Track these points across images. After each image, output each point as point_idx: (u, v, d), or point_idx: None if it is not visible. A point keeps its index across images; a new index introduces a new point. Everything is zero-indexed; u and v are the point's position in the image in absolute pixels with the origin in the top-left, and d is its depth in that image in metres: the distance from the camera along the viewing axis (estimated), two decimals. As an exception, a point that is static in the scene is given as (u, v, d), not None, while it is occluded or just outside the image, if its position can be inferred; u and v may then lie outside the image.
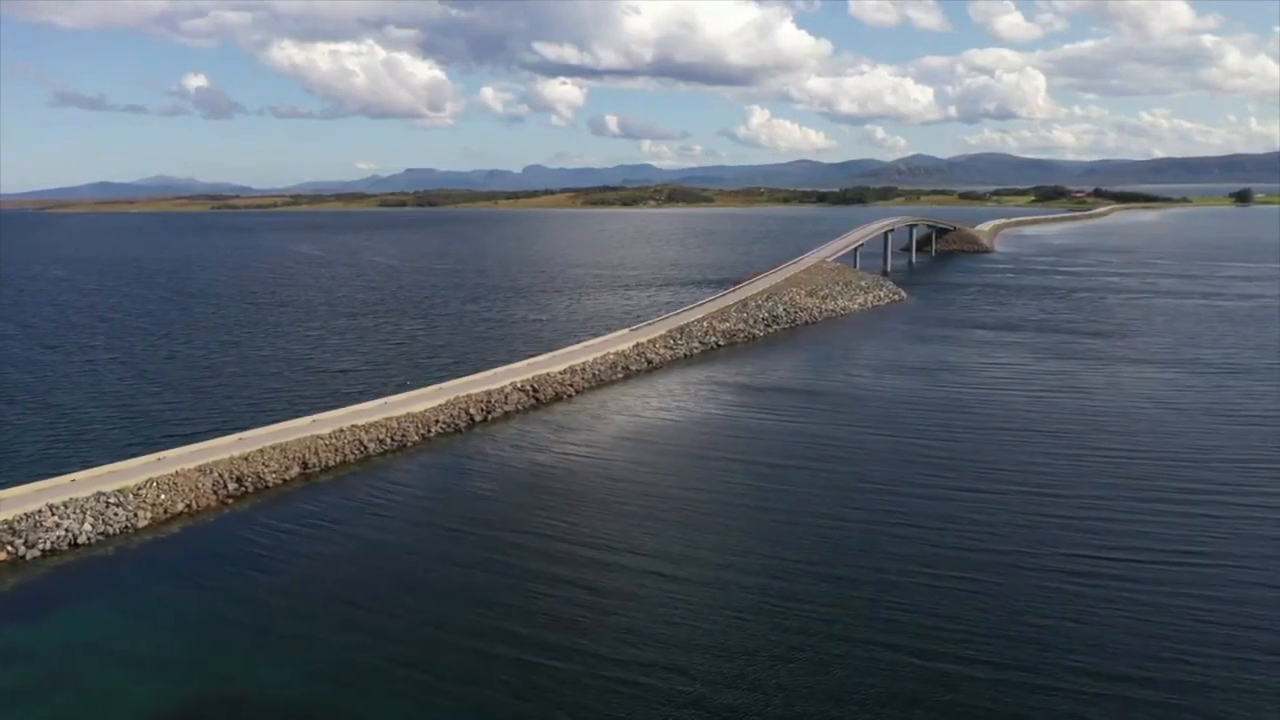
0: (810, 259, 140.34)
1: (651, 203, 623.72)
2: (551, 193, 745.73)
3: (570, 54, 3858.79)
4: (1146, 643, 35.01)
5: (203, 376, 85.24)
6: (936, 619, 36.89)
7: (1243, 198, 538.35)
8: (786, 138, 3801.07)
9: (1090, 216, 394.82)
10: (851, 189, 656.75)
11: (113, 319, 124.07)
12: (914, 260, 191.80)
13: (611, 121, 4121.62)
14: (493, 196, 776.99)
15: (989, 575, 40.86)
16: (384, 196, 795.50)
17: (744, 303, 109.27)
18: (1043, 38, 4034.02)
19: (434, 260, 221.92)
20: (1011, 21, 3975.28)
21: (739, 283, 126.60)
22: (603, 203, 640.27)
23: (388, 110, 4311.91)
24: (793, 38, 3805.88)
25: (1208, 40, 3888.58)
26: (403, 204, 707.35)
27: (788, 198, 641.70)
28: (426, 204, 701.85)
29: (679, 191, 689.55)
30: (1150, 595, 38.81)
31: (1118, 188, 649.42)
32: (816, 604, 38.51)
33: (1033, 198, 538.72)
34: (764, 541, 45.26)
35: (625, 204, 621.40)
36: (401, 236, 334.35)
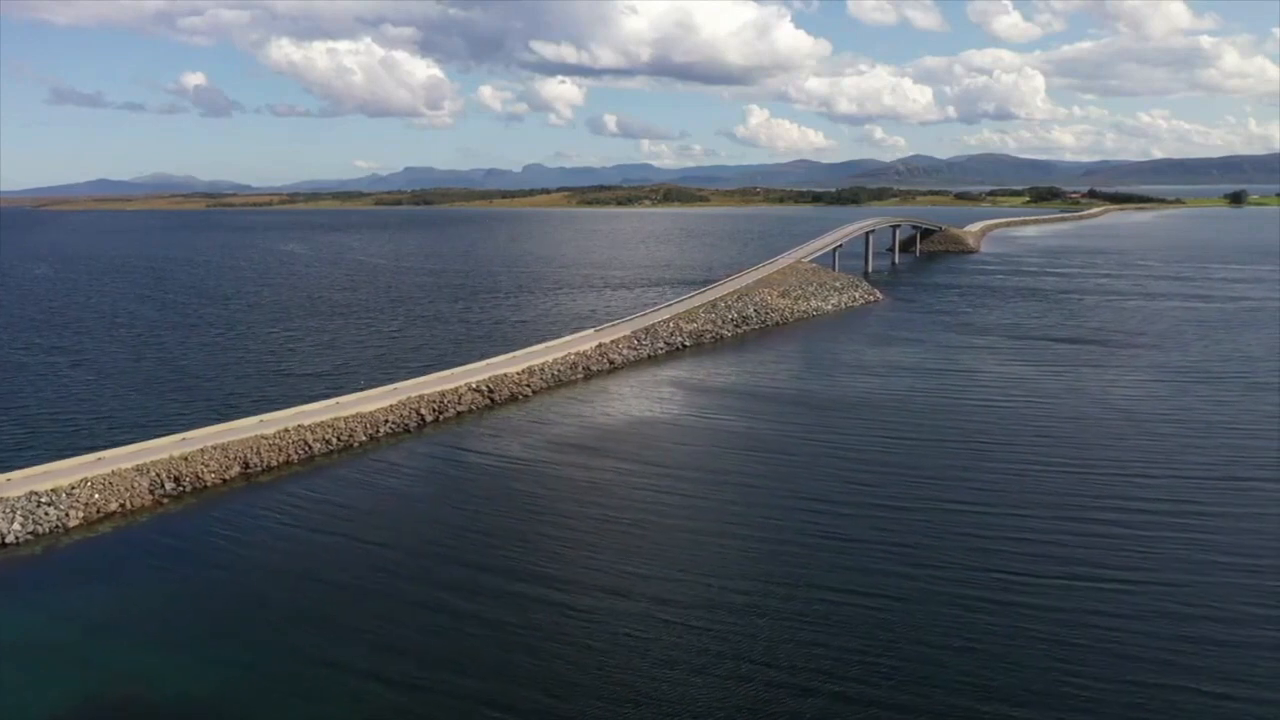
0: (786, 259, 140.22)
1: (647, 202, 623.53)
2: (547, 192, 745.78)
3: (568, 53, 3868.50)
4: (1059, 672, 33.23)
5: (165, 377, 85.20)
6: (842, 652, 34.85)
7: (1237, 199, 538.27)
8: (785, 137, 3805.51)
9: (1082, 217, 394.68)
10: (847, 189, 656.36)
11: (84, 318, 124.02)
12: (897, 261, 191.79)
13: (610, 121, 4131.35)
14: (488, 195, 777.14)
15: (898, 602, 38.81)
16: (379, 195, 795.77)
17: (713, 304, 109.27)
18: (1041, 38, 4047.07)
19: (422, 260, 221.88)
20: (1009, 22, 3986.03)
21: (712, 283, 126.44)
22: (598, 202, 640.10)
23: (386, 109, 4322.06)
24: (791, 37, 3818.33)
25: (1205, 41, 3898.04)
26: (398, 203, 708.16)
27: (783, 198, 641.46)
28: (422, 203, 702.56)
29: (675, 191, 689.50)
30: (1064, 621, 36.80)
31: (1117, 188, 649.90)
32: (719, 628, 36.98)
33: (1028, 198, 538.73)
34: (684, 563, 43.22)
35: (620, 204, 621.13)
36: (393, 236, 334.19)
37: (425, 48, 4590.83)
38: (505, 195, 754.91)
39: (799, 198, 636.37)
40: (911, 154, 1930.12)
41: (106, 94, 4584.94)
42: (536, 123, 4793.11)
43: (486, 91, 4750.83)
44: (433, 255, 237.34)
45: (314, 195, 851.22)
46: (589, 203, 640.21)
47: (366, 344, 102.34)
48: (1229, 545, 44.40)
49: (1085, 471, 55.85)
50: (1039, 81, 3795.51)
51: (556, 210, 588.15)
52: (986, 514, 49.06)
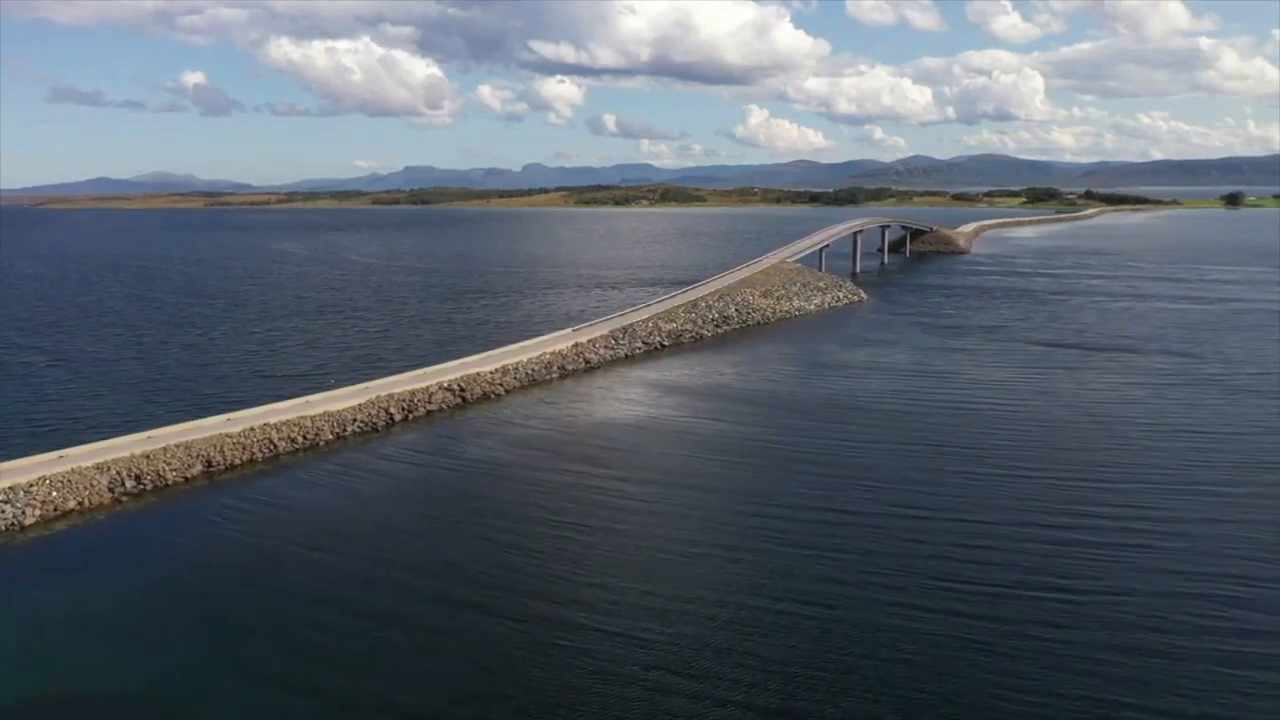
0: (770, 259, 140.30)
1: (644, 202, 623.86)
2: (546, 192, 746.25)
3: (567, 53, 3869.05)
4: (993, 685, 32.62)
5: (142, 376, 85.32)
6: (779, 665, 34.12)
7: (1233, 200, 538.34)
8: (785, 137, 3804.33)
9: (1076, 218, 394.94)
10: (844, 190, 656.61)
11: (69, 317, 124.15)
12: (886, 261, 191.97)
13: (609, 121, 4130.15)
14: (486, 195, 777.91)
15: (835, 610, 38.12)
16: (377, 195, 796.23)
17: (693, 304, 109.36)
18: (1040, 39, 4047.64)
19: (414, 260, 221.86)
20: (1008, 22, 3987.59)
21: (696, 283, 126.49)
22: (595, 202, 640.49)
23: (386, 108, 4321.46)
24: (790, 37, 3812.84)
25: (1204, 42, 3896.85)
26: (396, 202, 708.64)
27: (780, 198, 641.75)
28: (420, 202, 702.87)
29: (672, 191, 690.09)
30: (1006, 632, 36.10)
31: (1116, 190, 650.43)
32: (659, 639, 36.25)
33: (1025, 199, 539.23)
34: (635, 571, 42.44)
35: (618, 204, 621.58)
36: (388, 236, 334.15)
37: (424, 47, 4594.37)
38: (503, 195, 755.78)
39: (796, 198, 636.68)
40: (911, 154, 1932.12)
41: (106, 93, 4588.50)
42: (536, 122, 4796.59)
43: (486, 91, 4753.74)
44: (426, 255, 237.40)
45: (312, 195, 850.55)
46: (587, 202, 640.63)
47: (349, 344, 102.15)
48: (1182, 554, 43.45)
49: (1046, 477, 55.26)
50: (1038, 82, 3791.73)
51: (554, 210, 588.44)
52: (940, 520, 48.24)
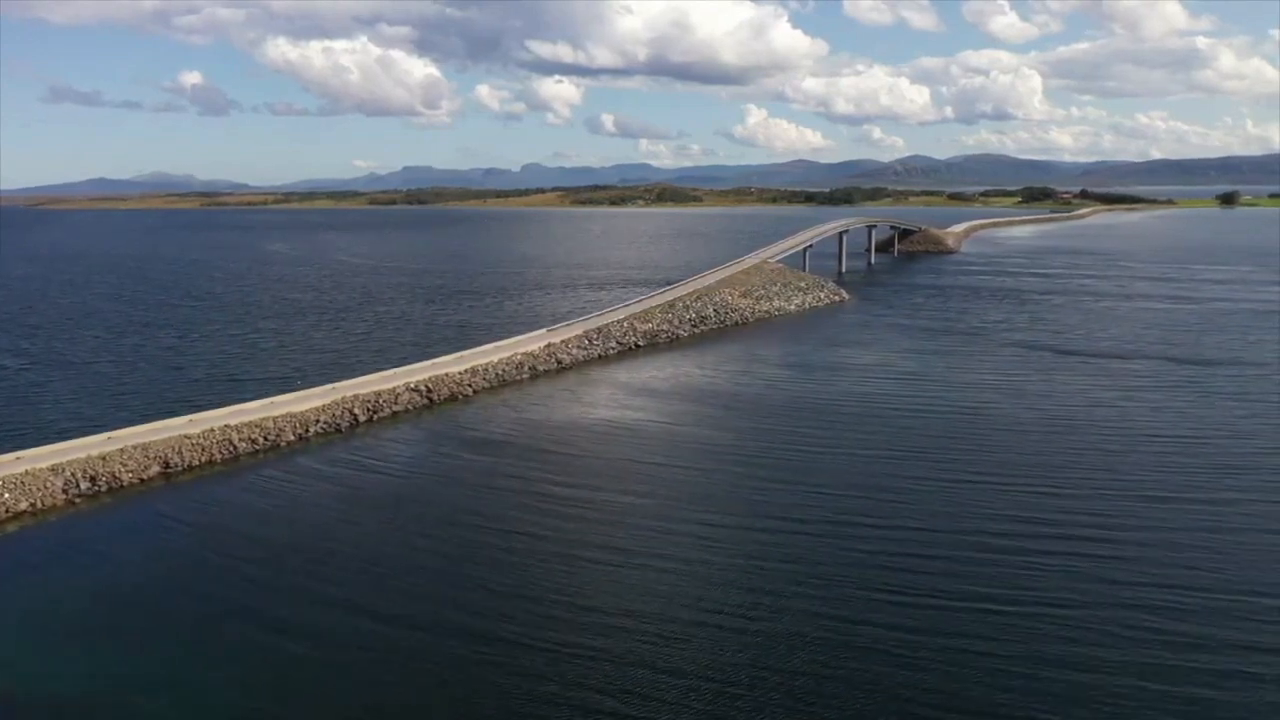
0: (752, 259, 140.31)
1: (640, 202, 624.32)
2: (542, 191, 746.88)
3: (564, 53, 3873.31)
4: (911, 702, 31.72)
5: (116, 378, 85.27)
6: (696, 681, 33.23)
7: (1228, 200, 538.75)
8: (783, 137, 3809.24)
9: (1070, 218, 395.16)
10: (839, 190, 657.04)
11: (51, 319, 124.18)
12: (873, 261, 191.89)
13: (608, 120, 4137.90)
14: (483, 195, 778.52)
15: (773, 624, 37.09)
16: (374, 195, 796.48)
17: (671, 304, 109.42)
18: (1037, 39, 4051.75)
19: (405, 260, 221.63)
20: (1005, 22, 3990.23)
21: (674, 284, 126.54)
22: (591, 202, 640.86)
23: (384, 108, 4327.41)
24: (788, 37, 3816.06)
25: (1202, 42, 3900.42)
26: (392, 202, 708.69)
27: (775, 198, 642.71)
28: (416, 202, 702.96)
29: (669, 191, 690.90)
30: (941, 646, 35.15)
31: (1115, 189, 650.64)
32: (575, 653, 35.95)
33: (1020, 199, 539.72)
34: (571, 586, 41.25)
35: (614, 203, 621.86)
36: (383, 236, 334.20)
37: (422, 47, 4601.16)
38: (499, 195, 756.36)
39: (792, 197, 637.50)
40: (910, 154, 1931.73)
41: (104, 92, 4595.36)
42: (535, 122, 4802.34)
43: (484, 91, 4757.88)
44: (417, 256, 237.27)
45: (308, 195, 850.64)
46: (583, 203, 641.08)
47: (329, 346, 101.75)
48: (1130, 569, 41.91)
49: (1001, 484, 53.79)
50: (1036, 82, 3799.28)
51: (550, 210, 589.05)
52: (882, 529, 47.10)
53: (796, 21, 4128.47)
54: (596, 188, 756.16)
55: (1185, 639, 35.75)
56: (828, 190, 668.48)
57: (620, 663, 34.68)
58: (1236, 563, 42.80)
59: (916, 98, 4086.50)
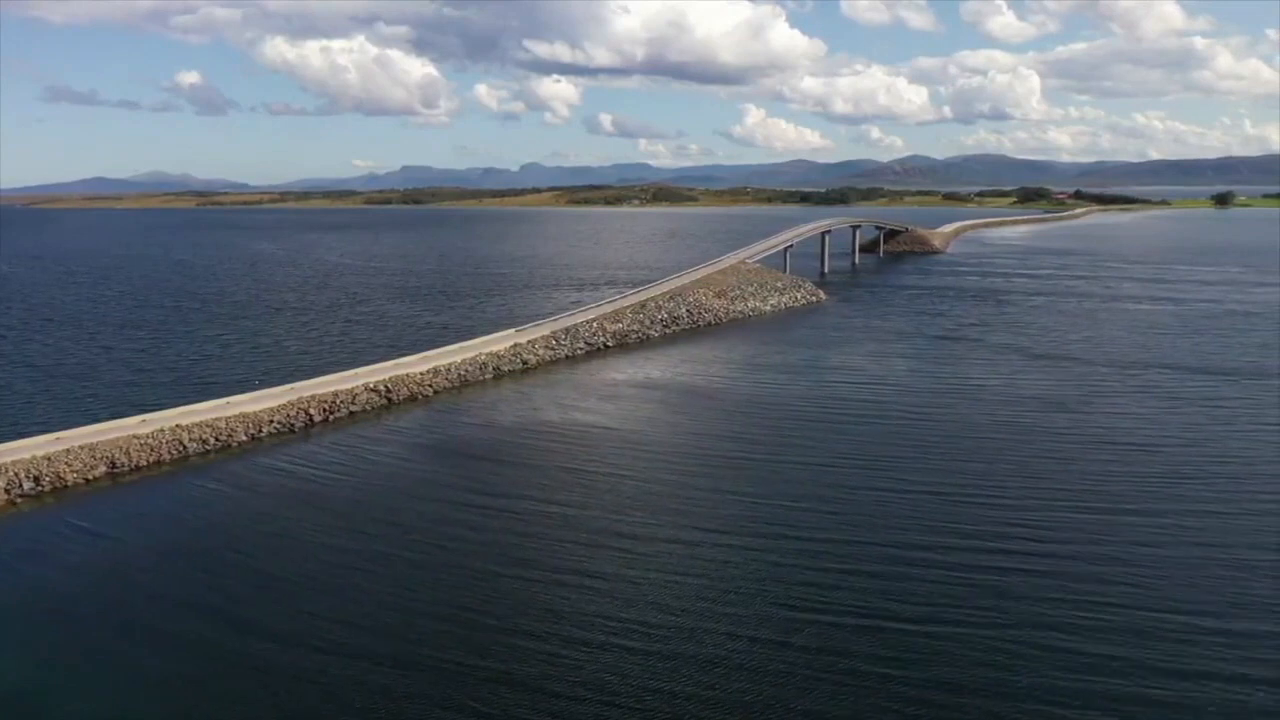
0: (729, 259, 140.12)
1: (636, 202, 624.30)
2: (539, 191, 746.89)
3: (562, 52, 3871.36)
4: None
5: (82, 379, 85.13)
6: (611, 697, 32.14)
7: (1222, 200, 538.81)
8: (782, 137, 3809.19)
9: (1063, 218, 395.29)
10: (835, 189, 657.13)
11: (26, 319, 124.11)
12: (857, 262, 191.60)
13: (606, 120, 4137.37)
14: (479, 195, 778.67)
15: (676, 646, 35.51)
16: (370, 194, 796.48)
17: (643, 304, 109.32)
18: (1035, 39, 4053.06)
19: (392, 260, 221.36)
20: (1003, 22, 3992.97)
21: (648, 284, 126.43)
22: (588, 201, 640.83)
23: (382, 108, 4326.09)
24: (786, 37, 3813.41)
25: (1199, 43, 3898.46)
26: (388, 202, 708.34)
27: (771, 198, 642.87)
28: (412, 202, 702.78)
29: (665, 191, 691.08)
30: (852, 669, 33.80)
31: (1112, 190, 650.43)
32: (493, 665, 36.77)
33: (1015, 199, 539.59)
34: (456, 599, 39.96)
35: (609, 203, 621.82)
36: (375, 236, 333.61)
37: (420, 46, 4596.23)
38: (496, 194, 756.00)
39: (788, 198, 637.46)
40: (908, 154, 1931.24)
41: (101, 92, 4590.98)
42: (533, 122, 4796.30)
43: (482, 90, 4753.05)
44: (405, 256, 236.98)
45: (304, 194, 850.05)
46: (579, 202, 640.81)
47: (301, 347, 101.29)
48: (1059, 585, 40.24)
49: (940, 494, 52.12)
50: (1034, 82, 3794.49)
51: (546, 210, 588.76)
52: (810, 540, 45.60)
53: (794, 21, 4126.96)
54: (595, 187, 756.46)
55: (1102, 660, 34.17)
56: (824, 190, 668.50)
57: (510, 687, 33.20)
58: (1171, 581, 40.91)
59: (914, 98, 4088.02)
